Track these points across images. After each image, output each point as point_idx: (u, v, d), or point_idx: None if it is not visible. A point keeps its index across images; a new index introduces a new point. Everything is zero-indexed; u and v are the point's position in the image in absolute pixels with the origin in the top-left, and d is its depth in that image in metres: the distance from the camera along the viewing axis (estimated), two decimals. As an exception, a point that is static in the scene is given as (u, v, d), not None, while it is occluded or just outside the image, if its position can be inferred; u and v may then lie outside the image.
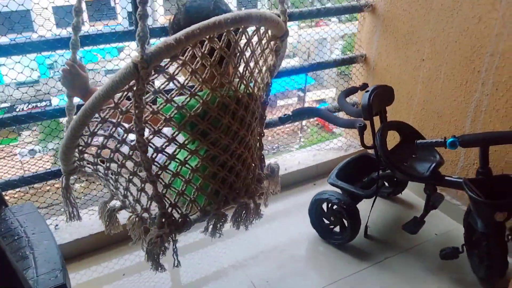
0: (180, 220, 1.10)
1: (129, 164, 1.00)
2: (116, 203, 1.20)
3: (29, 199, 1.93)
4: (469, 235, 1.83)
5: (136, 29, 0.85)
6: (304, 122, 5.39)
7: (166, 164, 1.03)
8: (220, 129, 1.08)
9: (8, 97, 2.21)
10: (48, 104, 4.62)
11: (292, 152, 2.73)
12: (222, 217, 1.19)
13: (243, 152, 1.21)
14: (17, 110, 2.07)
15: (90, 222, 2.04)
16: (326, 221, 2.06)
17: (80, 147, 1.00)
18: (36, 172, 1.84)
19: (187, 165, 1.07)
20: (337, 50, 5.45)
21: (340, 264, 1.93)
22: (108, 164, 1.02)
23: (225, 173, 1.17)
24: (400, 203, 2.33)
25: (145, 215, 1.09)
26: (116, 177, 1.05)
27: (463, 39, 1.94)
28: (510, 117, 1.82)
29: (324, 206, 2.03)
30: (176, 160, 1.05)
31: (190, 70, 0.96)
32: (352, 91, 2.24)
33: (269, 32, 1.11)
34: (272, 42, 1.15)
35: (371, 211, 2.01)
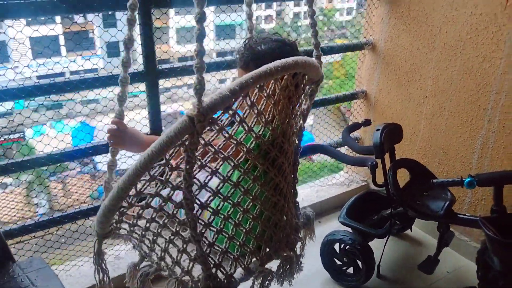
0: (225, 281, 1.04)
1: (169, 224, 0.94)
2: (146, 265, 1.10)
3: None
4: (485, 273, 1.80)
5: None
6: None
7: (210, 220, 0.98)
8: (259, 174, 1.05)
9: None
10: (22, 135, 4.44)
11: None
12: (269, 275, 1.13)
13: (279, 200, 1.16)
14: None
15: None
16: (338, 262, 2.01)
17: (122, 208, 0.93)
18: (38, 220, 1.73)
19: (230, 219, 1.02)
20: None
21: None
22: (148, 225, 0.96)
23: (264, 224, 1.12)
24: (407, 240, 2.30)
25: (186, 278, 1.02)
26: (155, 238, 0.98)
27: (468, 77, 1.98)
28: (519, 153, 1.84)
29: (336, 246, 1.98)
30: (219, 215, 0.99)
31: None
32: (355, 127, 2.24)
33: (306, 77, 1.10)
34: (307, 87, 1.14)
35: (384, 250, 1.97)
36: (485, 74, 1.90)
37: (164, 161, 0.85)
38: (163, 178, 0.86)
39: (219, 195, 0.96)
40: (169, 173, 0.86)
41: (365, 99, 2.57)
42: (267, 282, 1.15)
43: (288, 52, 1.17)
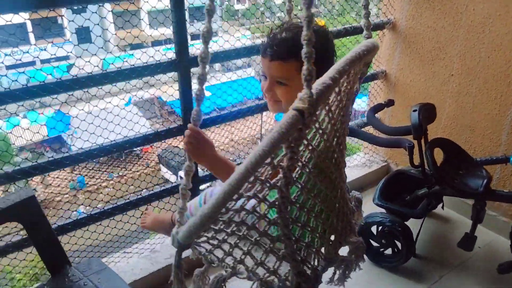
0: (312, 275, 1.00)
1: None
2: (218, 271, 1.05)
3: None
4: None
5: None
6: (263, 131, 5.33)
7: (296, 216, 0.94)
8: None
9: None
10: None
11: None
12: (353, 262, 1.11)
13: (342, 186, 1.14)
14: None
15: (129, 266, 1.88)
16: (375, 244, 2.01)
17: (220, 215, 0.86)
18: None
19: (311, 212, 0.99)
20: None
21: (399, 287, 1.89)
22: (235, 228, 0.91)
23: (334, 212, 1.10)
24: (438, 218, 2.33)
25: (270, 278, 0.97)
26: (237, 241, 0.93)
27: (496, 54, 1.98)
28: (552, 128, 1.87)
29: (373, 228, 1.99)
30: (304, 209, 0.96)
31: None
32: (379, 107, 2.22)
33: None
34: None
35: (421, 230, 1.99)
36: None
37: (270, 160, 0.80)
38: (263, 178, 0.81)
39: (306, 188, 0.93)
40: (270, 173, 0.82)
41: (385, 79, 2.55)
42: (348, 270, 1.13)
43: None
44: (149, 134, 1.76)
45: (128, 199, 1.78)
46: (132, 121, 1.85)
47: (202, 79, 0.95)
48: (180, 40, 1.68)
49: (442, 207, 2.18)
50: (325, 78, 0.81)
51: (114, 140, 1.67)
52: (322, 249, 1.08)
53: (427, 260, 2.04)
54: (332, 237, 1.13)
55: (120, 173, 9.47)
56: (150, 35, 2.97)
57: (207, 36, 0.93)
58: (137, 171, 9.50)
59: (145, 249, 1.97)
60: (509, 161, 1.62)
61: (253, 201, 0.86)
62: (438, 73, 2.26)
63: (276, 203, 0.86)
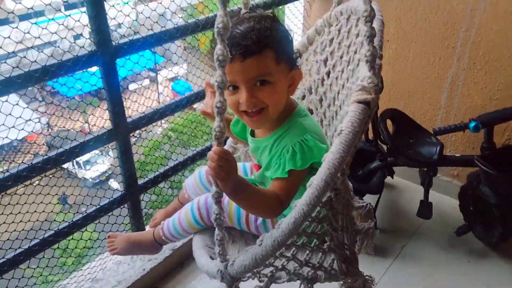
0: (352, 256, 1.04)
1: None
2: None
3: None
4: (476, 206, 1.89)
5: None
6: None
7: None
8: None
9: None
10: None
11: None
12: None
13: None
14: None
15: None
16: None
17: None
18: None
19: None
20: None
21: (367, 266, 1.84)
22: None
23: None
24: (390, 188, 2.30)
25: (314, 274, 0.98)
26: (282, 251, 0.90)
27: (434, 17, 1.95)
28: (490, 88, 1.91)
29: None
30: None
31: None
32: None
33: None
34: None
35: (378, 204, 1.96)
36: (453, 12, 1.88)
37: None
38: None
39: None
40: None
41: (317, 49, 2.42)
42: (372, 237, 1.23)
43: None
44: (73, 147, 1.40)
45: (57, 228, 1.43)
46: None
47: (222, 87, 0.76)
48: (99, 24, 1.32)
49: (392, 177, 2.17)
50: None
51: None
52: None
53: (386, 232, 2.03)
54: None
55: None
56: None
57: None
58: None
59: (85, 279, 1.64)
60: (468, 128, 1.61)
61: None
62: (374, 39, 2.18)
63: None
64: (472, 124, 1.60)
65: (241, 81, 0.94)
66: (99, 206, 1.58)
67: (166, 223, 1.22)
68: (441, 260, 1.88)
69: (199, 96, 1.76)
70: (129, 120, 1.56)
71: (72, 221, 1.50)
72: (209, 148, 1.90)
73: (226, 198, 1.17)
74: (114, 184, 5.97)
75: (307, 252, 0.97)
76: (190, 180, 1.33)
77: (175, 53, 2.04)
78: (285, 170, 0.96)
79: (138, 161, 1.93)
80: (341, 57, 1.23)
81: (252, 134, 1.13)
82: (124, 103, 1.51)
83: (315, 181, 0.74)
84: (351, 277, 1.05)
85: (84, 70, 1.37)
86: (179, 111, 1.73)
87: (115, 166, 1.64)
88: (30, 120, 1.47)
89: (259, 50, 0.93)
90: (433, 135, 1.89)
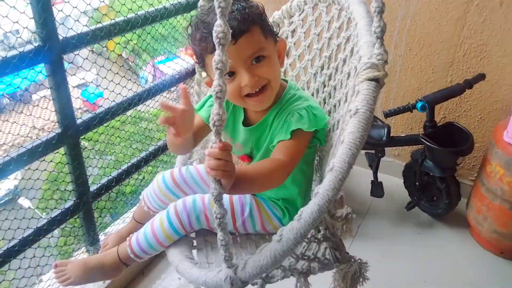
0: (340, 242, 1.04)
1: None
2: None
3: None
4: (421, 184, 2.02)
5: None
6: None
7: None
8: None
9: None
10: None
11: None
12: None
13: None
14: None
15: None
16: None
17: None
18: None
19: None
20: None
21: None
22: None
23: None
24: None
25: (308, 267, 0.96)
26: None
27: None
28: (425, 71, 2.05)
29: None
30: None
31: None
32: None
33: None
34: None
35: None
36: (390, 2, 1.99)
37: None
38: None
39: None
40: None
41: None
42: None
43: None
44: (21, 153, 1.25)
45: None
46: None
47: (222, 69, 0.68)
48: (44, 18, 1.19)
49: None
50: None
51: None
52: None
53: (342, 215, 2.10)
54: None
55: None
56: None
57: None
58: None
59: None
60: (415, 108, 1.72)
61: None
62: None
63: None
64: (419, 104, 1.71)
65: (237, 63, 0.93)
66: (50, 218, 1.43)
67: (135, 238, 1.10)
68: (395, 234, 1.99)
69: (151, 93, 1.67)
70: (79, 121, 1.43)
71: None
72: (158, 150, 1.84)
73: (206, 198, 1.12)
74: (25, 202, 5.30)
75: (304, 244, 0.95)
76: (149, 191, 1.23)
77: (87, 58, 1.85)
78: (290, 130, 0.95)
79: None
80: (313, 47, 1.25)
81: (246, 124, 1.10)
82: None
83: (338, 164, 0.72)
84: (344, 263, 1.04)
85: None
86: (131, 109, 1.62)
87: (26, 179, 1.41)
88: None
89: (247, 28, 0.94)
90: (379, 118, 1.99)
